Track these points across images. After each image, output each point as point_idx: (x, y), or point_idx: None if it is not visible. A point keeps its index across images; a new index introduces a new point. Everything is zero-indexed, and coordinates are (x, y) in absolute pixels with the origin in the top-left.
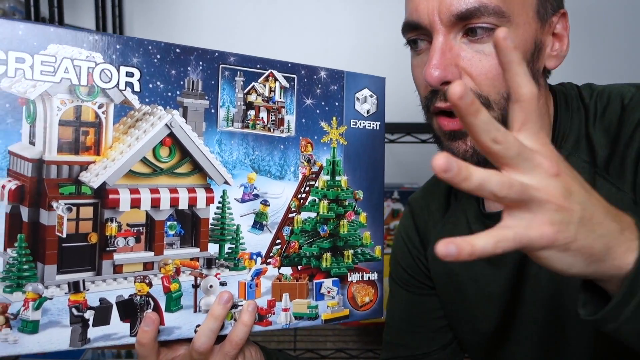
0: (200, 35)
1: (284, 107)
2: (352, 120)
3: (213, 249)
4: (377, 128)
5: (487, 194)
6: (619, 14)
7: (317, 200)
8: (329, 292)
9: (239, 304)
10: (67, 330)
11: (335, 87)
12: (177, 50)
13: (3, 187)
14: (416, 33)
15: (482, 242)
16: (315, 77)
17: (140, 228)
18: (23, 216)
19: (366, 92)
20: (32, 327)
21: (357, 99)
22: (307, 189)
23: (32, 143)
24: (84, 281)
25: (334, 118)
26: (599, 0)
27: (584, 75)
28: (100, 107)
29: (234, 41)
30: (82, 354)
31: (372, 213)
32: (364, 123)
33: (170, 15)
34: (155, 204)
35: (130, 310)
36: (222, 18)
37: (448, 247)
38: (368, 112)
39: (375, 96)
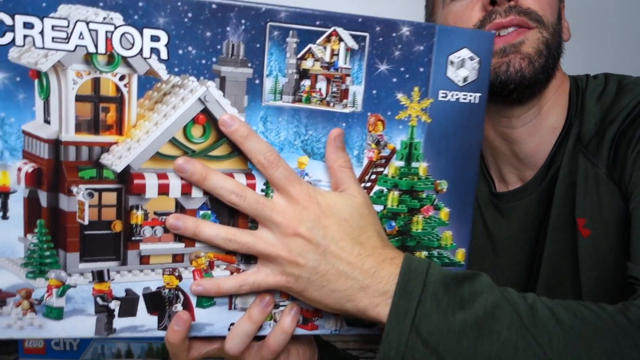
0: None
1: (349, 75)
2: (441, 91)
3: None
4: (476, 101)
5: (225, 200)
6: (613, 11)
7: (385, 190)
8: None
9: (281, 304)
10: (92, 318)
11: (422, 48)
12: (214, 6)
13: (19, 170)
14: None
15: (228, 285)
16: (394, 34)
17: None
18: (42, 201)
19: (465, 53)
20: (56, 314)
21: (451, 62)
22: (373, 176)
23: (47, 121)
24: (108, 270)
25: (417, 88)
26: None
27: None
28: (121, 79)
29: None
30: (81, 354)
31: (457, 209)
32: (457, 95)
33: None
34: (186, 190)
35: (158, 303)
36: None
37: (196, 287)
38: (465, 79)
39: (477, 58)
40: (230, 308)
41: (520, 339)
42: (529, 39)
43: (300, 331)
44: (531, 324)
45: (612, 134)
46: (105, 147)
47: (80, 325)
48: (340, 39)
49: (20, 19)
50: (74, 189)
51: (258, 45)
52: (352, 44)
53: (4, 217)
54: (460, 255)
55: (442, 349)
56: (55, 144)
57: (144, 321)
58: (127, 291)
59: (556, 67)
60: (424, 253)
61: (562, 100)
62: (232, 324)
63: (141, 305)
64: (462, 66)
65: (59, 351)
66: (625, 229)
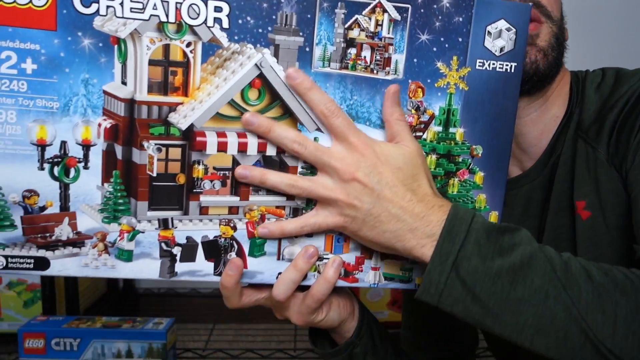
0: None
1: (392, 45)
2: (478, 60)
3: (300, 198)
4: (512, 70)
5: (287, 150)
6: (613, 9)
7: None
8: None
9: (325, 257)
10: (157, 262)
11: (461, 19)
12: None
13: (99, 125)
14: None
15: (291, 226)
16: (435, 6)
17: (227, 172)
18: (117, 154)
19: (502, 24)
20: (127, 256)
21: (489, 33)
22: None
23: (124, 83)
24: (172, 219)
25: (455, 57)
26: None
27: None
28: (188, 45)
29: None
30: (82, 354)
31: (491, 173)
32: (494, 64)
33: None
34: (242, 148)
35: (215, 250)
36: None
37: (262, 230)
38: (502, 49)
39: (514, 30)
40: (278, 258)
41: (551, 288)
42: (543, 32)
43: (342, 283)
44: (563, 276)
45: (612, 119)
46: (173, 107)
47: (147, 268)
48: (385, 10)
49: None
50: (145, 144)
51: (309, 16)
52: (395, 15)
53: (85, 166)
54: (493, 217)
55: (478, 290)
56: (131, 103)
57: (202, 266)
58: (188, 238)
59: (561, 62)
60: None
61: (564, 90)
62: (279, 273)
63: (200, 252)
64: (499, 37)
65: (59, 351)
66: (623, 211)
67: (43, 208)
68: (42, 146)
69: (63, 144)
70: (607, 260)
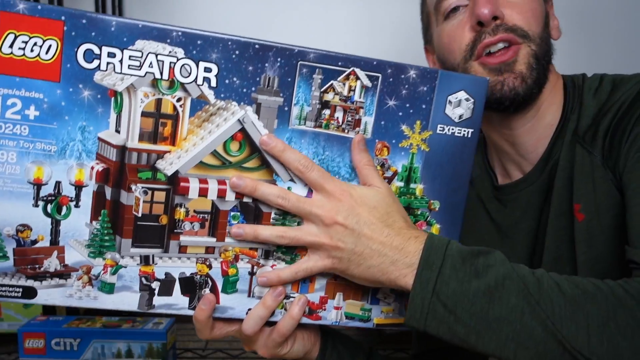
0: None
1: (362, 108)
2: (439, 125)
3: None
4: (469, 135)
5: (272, 204)
6: (614, 10)
7: None
8: (385, 297)
9: (291, 295)
10: (136, 295)
11: (425, 88)
12: (257, 46)
13: (92, 168)
14: None
15: (286, 274)
16: (403, 76)
17: (206, 215)
18: (107, 194)
19: (462, 94)
20: (109, 288)
21: (450, 102)
22: None
23: (117, 131)
24: (153, 256)
25: (418, 122)
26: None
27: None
28: (178, 100)
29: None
30: (82, 354)
31: (447, 226)
32: (453, 129)
33: (170, 15)
34: (222, 194)
35: (191, 286)
36: (222, 19)
37: (261, 279)
38: (461, 117)
39: (472, 100)
40: (249, 295)
41: (526, 305)
42: (520, 55)
43: (306, 320)
44: (536, 292)
45: (606, 124)
46: (161, 155)
47: (127, 300)
48: (358, 78)
49: (106, 50)
50: (133, 187)
51: (289, 79)
52: (367, 82)
53: (77, 205)
54: None
55: (459, 311)
56: (122, 149)
57: (178, 301)
58: (167, 274)
59: (547, 73)
60: None
61: (558, 98)
62: (249, 309)
63: (176, 287)
64: (459, 105)
65: (59, 351)
66: (617, 213)
67: (34, 241)
68: (38, 185)
69: (57, 184)
70: (604, 261)
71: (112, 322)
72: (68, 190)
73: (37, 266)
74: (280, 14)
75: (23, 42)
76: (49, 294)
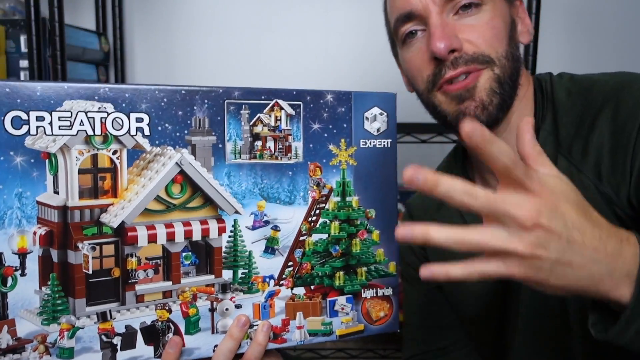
0: (199, 34)
1: (290, 135)
2: (361, 140)
3: (227, 274)
4: (389, 145)
5: (456, 203)
6: (614, 9)
7: (328, 221)
8: (342, 308)
9: (254, 324)
10: (98, 354)
11: (343, 109)
12: (183, 91)
13: (35, 233)
14: (412, 23)
15: (458, 272)
16: (321, 101)
17: (158, 260)
18: (53, 257)
19: (376, 110)
20: (68, 354)
21: (367, 118)
22: (317, 211)
23: (56, 192)
24: (110, 311)
25: (343, 140)
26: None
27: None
28: (114, 153)
29: (234, 40)
30: None
31: (385, 230)
32: (374, 142)
33: (170, 15)
34: (171, 237)
35: (153, 334)
36: (222, 18)
37: (425, 271)
38: (378, 130)
39: (385, 113)
40: (213, 332)
41: None
42: (481, 81)
43: (272, 345)
44: None
45: (597, 140)
46: (104, 208)
47: None
48: (281, 108)
49: (33, 114)
50: (80, 245)
51: (219, 118)
52: (290, 110)
53: (22, 274)
54: (392, 267)
55: None
56: (64, 210)
57: (143, 352)
58: (127, 327)
59: (515, 92)
60: (364, 269)
61: (529, 105)
62: (216, 346)
63: (139, 338)
64: (375, 120)
65: None
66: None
67: None
68: None
69: None
70: None
71: None
72: (11, 260)
73: None
74: (281, 14)
75: None
76: None
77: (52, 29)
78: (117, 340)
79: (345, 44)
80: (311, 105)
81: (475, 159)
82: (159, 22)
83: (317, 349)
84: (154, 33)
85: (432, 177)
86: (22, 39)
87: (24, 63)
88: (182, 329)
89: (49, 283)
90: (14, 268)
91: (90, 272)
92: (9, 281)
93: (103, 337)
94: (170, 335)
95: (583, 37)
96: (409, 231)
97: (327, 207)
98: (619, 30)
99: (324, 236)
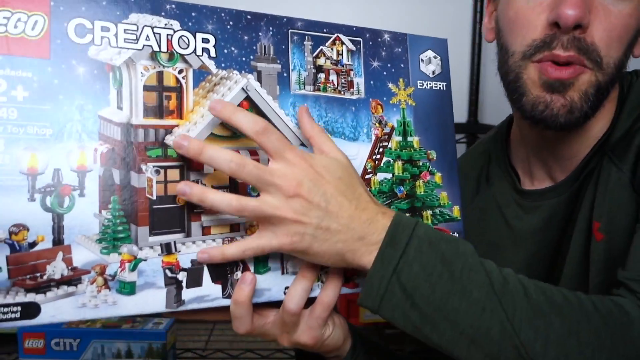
0: None
1: (352, 70)
2: (418, 82)
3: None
4: (444, 88)
5: (224, 170)
6: None
7: (391, 161)
8: None
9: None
10: (162, 291)
11: (399, 50)
12: (248, 16)
13: (95, 150)
14: None
15: (232, 250)
16: (379, 39)
17: (225, 189)
18: (115, 178)
19: (430, 53)
20: (129, 289)
21: (422, 60)
22: (381, 149)
23: (119, 108)
24: (175, 243)
25: (401, 79)
26: None
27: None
28: (180, 72)
29: None
30: (82, 354)
31: (446, 173)
32: (430, 84)
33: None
34: None
35: (221, 272)
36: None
37: (202, 255)
38: (433, 72)
39: (439, 57)
40: (283, 273)
41: (488, 302)
42: (580, 80)
43: (345, 290)
44: (500, 291)
45: (638, 140)
46: (169, 130)
47: (152, 299)
48: (343, 42)
49: (98, 24)
50: (143, 167)
51: (283, 47)
52: (351, 46)
53: (81, 194)
54: (456, 211)
55: (417, 297)
56: (127, 127)
57: (210, 290)
58: (193, 262)
59: (605, 100)
60: (429, 212)
61: (609, 109)
62: (286, 288)
63: (206, 275)
64: (430, 63)
65: (59, 351)
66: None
67: (33, 244)
68: (32, 175)
69: (56, 171)
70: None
71: (112, 322)
72: (69, 178)
73: (38, 274)
74: (280, 9)
75: (5, 18)
76: (56, 308)
77: None
78: (182, 277)
79: None
80: (370, 43)
81: (526, 147)
82: None
83: None
84: None
85: (196, 144)
86: None
87: None
88: (251, 268)
89: (110, 207)
90: (72, 187)
91: (154, 197)
92: (66, 201)
93: (167, 271)
94: (239, 273)
95: None
96: (186, 187)
97: (390, 146)
98: None
99: (389, 176)
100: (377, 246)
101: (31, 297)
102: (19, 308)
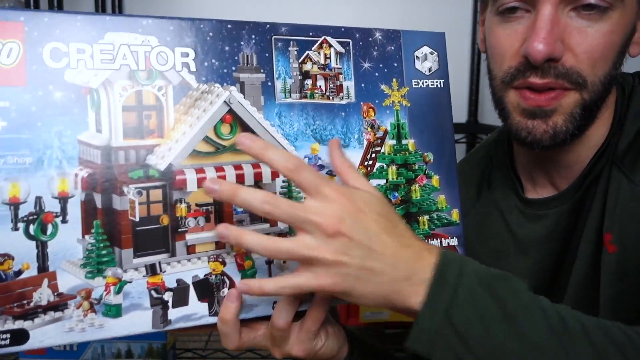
0: None
1: (341, 73)
2: (413, 80)
3: (283, 224)
4: (442, 86)
5: (258, 212)
6: None
7: (385, 166)
8: None
9: None
10: (148, 312)
11: (393, 48)
12: (229, 26)
13: (76, 175)
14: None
15: (270, 287)
16: (370, 39)
17: (209, 207)
18: (97, 203)
19: (426, 49)
20: (115, 311)
21: (417, 57)
22: (373, 155)
23: (99, 131)
24: (160, 263)
25: (395, 80)
26: None
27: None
28: (159, 89)
29: None
30: (82, 354)
31: (445, 175)
32: (426, 82)
33: (170, 12)
34: None
35: (207, 289)
36: (222, 16)
37: (242, 286)
38: (430, 70)
39: (435, 53)
40: None
41: (547, 344)
42: (563, 103)
43: (337, 301)
44: (559, 332)
45: None
46: (150, 149)
47: (138, 321)
48: (330, 45)
49: (74, 46)
50: (125, 189)
51: (267, 55)
52: (340, 48)
53: (64, 220)
54: (455, 215)
55: (471, 339)
56: (107, 150)
57: (196, 309)
58: (178, 281)
59: (598, 112)
60: (426, 217)
61: (608, 117)
62: (275, 302)
63: (192, 294)
64: (426, 59)
65: (59, 351)
66: None
67: (19, 272)
68: (15, 205)
69: (38, 199)
70: (633, 297)
71: None
72: (51, 205)
73: (25, 302)
74: (281, 14)
75: None
76: (44, 334)
77: None
78: (168, 296)
79: None
80: (360, 43)
81: (528, 155)
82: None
83: None
84: None
85: (229, 187)
86: None
87: None
88: (238, 283)
89: (93, 231)
90: (55, 214)
91: (137, 219)
92: (49, 228)
93: (153, 292)
94: (226, 290)
95: None
96: (225, 231)
97: (383, 150)
98: None
99: (382, 182)
100: (424, 286)
101: (19, 324)
102: (8, 335)
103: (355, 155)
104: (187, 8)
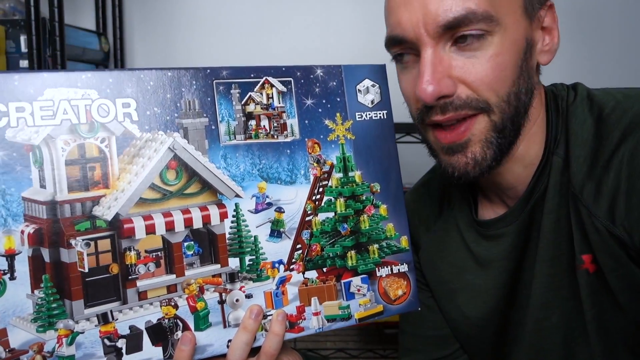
0: (199, 34)
1: (284, 112)
2: (357, 113)
3: (234, 263)
4: (385, 117)
5: None
6: (614, 13)
7: (333, 199)
8: (359, 290)
9: (268, 314)
10: None
11: (335, 83)
12: (169, 73)
13: (22, 232)
14: (401, 47)
15: None
16: (312, 76)
17: (159, 252)
18: (45, 257)
19: (367, 82)
20: None
21: (359, 91)
22: (321, 189)
23: (43, 186)
24: (111, 311)
25: (338, 114)
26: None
27: (580, 76)
28: (102, 141)
29: (234, 40)
30: None
31: (392, 203)
32: (369, 114)
33: (169, 15)
34: (170, 227)
35: (161, 333)
36: (221, 17)
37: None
38: (372, 102)
39: (377, 85)
40: (225, 326)
41: None
42: (475, 130)
43: (290, 335)
44: None
45: (612, 183)
46: (96, 201)
47: None
48: (272, 85)
49: (13, 105)
50: (73, 242)
51: (209, 99)
52: (282, 87)
53: (12, 277)
54: (404, 241)
55: None
56: (52, 205)
57: (151, 354)
58: (131, 328)
59: (520, 130)
60: (375, 246)
61: (540, 133)
62: (229, 341)
63: (146, 339)
64: (368, 92)
65: None
66: (625, 273)
67: None
68: None
69: None
70: (612, 312)
71: None
72: None
73: None
74: (281, 14)
75: None
76: None
77: (52, 29)
78: (121, 343)
79: (345, 44)
80: (302, 81)
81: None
82: (158, 22)
83: (317, 349)
84: (153, 33)
85: None
86: (22, 39)
87: (24, 63)
88: (192, 325)
89: (42, 285)
90: (2, 272)
91: (87, 270)
92: None
93: (106, 340)
94: (179, 333)
95: (583, 38)
96: None
97: (330, 184)
98: (620, 31)
99: (331, 215)
100: None
101: None
102: None
103: (302, 190)
104: (187, 8)
